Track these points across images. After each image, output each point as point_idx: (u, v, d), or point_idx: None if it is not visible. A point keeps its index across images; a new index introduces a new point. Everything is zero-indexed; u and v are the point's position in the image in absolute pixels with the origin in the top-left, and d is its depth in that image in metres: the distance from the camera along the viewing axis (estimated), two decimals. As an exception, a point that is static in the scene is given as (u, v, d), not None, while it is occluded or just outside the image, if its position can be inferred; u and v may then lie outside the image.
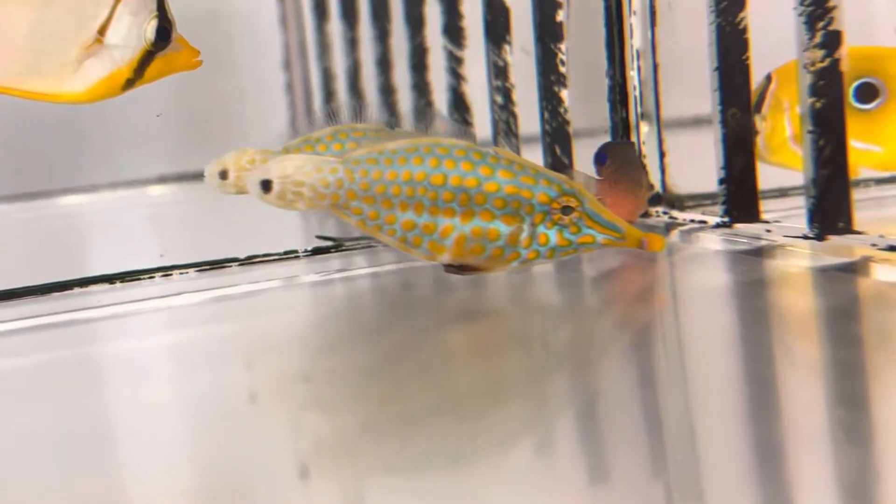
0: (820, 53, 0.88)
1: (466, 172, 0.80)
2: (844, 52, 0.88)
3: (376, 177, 0.80)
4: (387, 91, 1.46)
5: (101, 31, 0.78)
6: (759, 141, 1.03)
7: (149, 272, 0.98)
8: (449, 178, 0.80)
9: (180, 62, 0.81)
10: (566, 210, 0.81)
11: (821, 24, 0.88)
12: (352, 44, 1.54)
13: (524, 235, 0.81)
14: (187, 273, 0.99)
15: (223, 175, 0.88)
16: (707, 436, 0.58)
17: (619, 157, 0.96)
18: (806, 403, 0.61)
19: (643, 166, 1.03)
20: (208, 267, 0.99)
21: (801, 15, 0.89)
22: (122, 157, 1.68)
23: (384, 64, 1.46)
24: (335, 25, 1.58)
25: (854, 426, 0.57)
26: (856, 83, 1.02)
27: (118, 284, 0.96)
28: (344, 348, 0.81)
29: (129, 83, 0.79)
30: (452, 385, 0.68)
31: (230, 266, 1.00)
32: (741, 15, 0.96)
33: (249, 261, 1.00)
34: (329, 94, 1.62)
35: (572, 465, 0.55)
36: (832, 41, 0.88)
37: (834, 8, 0.88)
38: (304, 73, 1.67)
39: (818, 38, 0.88)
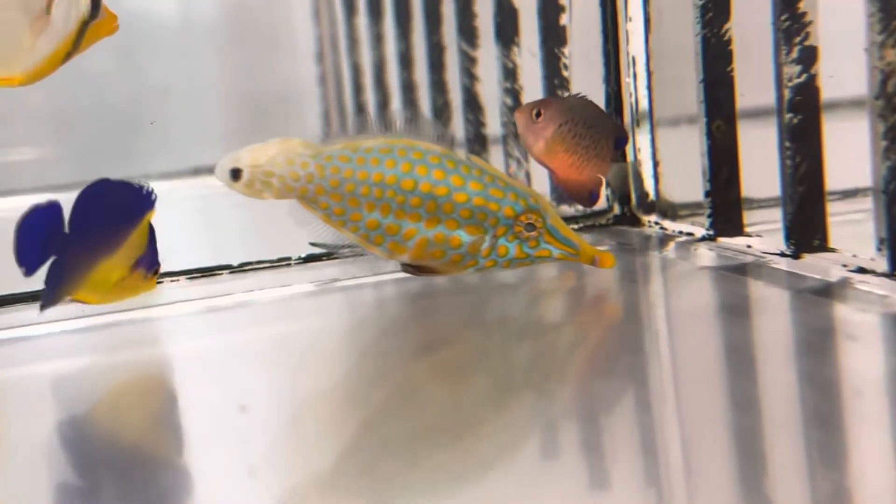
0: (797, 69, 0.87)
1: (438, 181, 0.81)
2: (820, 67, 0.87)
3: (347, 175, 0.81)
4: (408, 88, 1.47)
5: (48, 10, 0.80)
6: None
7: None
8: (419, 184, 0.81)
9: (105, 29, 0.82)
10: (529, 227, 0.82)
11: (797, 40, 0.87)
12: (377, 39, 1.55)
13: (485, 246, 0.82)
14: (178, 281, 1.01)
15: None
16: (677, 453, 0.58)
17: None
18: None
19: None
20: (199, 275, 1.01)
21: (778, 30, 0.87)
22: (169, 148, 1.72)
23: (406, 60, 1.47)
24: (363, 20, 1.59)
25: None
26: None
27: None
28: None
29: (68, 56, 0.81)
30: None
31: (222, 273, 1.02)
32: (726, 26, 0.95)
33: (241, 269, 1.02)
34: (358, 88, 1.63)
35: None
36: (808, 56, 0.87)
37: (810, 23, 0.86)
38: (336, 66, 1.69)
39: (795, 54, 0.87)
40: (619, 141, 0.96)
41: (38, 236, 0.82)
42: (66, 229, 0.83)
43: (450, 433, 0.63)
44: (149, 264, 0.87)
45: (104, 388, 0.80)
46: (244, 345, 0.88)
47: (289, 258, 1.03)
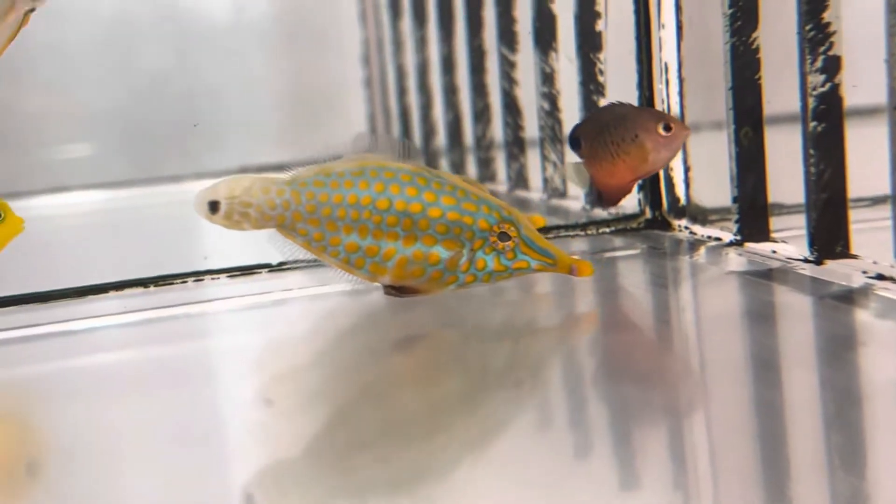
0: (821, 78, 0.88)
1: (411, 198, 0.81)
2: (844, 76, 0.88)
3: (322, 199, 0.82)
4: (450, 90, 1.50)
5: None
6: None
7: (182, 276, 1.03)
8: (394, 202, 0.81)
9: (27, 20, 0.85)
10: (503, 236, 0.83)
11: (821, 49, 0.88)
12: (421, 43, 1.57)
13: (463, 260, 0.82)
14: (219, 279, 1.04)
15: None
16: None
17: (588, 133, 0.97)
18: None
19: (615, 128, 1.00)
20: (240, 273, 1.04)
21: (803, 40, 0.89)
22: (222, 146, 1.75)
23: (448, 64, 1.49)
24: (407, 24, 1.62)
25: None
26: None
27: (152, 289, 1.02)
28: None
29: (9, 41, 0.85)
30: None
31: (261, 272, 1.05)
32: (754, 35, 0.96)
33: (280, 268, 1.05)
34: (402, 91, 1.66)
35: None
36: (832, 66, 0.88)
37: (834, 33, 0.87)
38: (381, 68, 1.72)
39: (819, 63, 0.88)
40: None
41: None
42: None
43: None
44: None
45: (144, 379, 0.82)
46: (273, 341, 0.91)
47: (326, 258, 1.06)
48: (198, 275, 1.04)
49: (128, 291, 1.01)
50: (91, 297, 1.00)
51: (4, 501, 0.60)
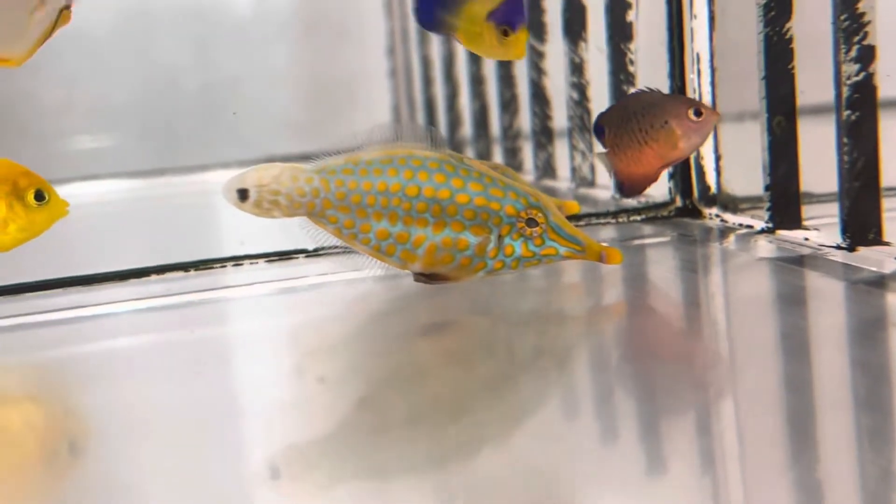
0: (855, 67, 0.90)
1: (439, 184, 0.82)
2: (878, 66, 0.89)
3: (352, 187, 0.83)
4: (477, 81, 1.51)
5: None
6: None
7: (221, 261, 1.05)
8: (423, 189, 0.82)
9: (67, 17, 0.86)
10: (531, 222, 0.83)
11: (856, 39, 0.90)
12: (448, 33, 1.58)
13: (491, 246, 0.83)
14: (257, 263, 1.05)
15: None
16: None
17: (614, 121, 0.98)
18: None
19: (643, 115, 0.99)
20: (277, 258, 1.06)
21: (837, 30, 0.90)
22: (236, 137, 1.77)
23: (475, 54, 1.51)
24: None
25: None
26: None
27: (192, 272, 1.04)
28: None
29: (44, 40, 0.86)
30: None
31: (297, 257, 1.06)
32: (787, 25, 0.98)
33: (315, 253, 1.06)
34: (427, 81, 1.67)
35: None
36: (867, 56, 0.90)
37: (869, 23, 0.89)
38: (407, 59, 1.73)
39: (853, 53, 0.90)
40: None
41: None
42: None
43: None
44: (500, 18, 0.85)
45: (185, 358, 0.84)
46: (307, 323, 0.93)
47: (361, 243, 1.07)
48: (236, 259, 1.06)
49: (169, 275, 1.03)
50: (133, 280, 1.02)
51: (50, 480, 0.62)
